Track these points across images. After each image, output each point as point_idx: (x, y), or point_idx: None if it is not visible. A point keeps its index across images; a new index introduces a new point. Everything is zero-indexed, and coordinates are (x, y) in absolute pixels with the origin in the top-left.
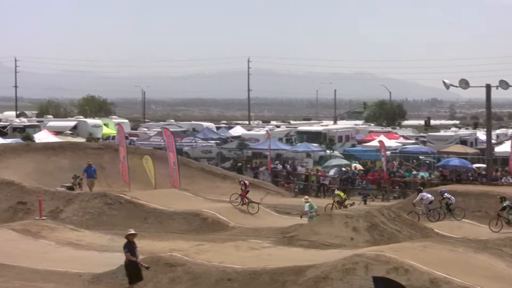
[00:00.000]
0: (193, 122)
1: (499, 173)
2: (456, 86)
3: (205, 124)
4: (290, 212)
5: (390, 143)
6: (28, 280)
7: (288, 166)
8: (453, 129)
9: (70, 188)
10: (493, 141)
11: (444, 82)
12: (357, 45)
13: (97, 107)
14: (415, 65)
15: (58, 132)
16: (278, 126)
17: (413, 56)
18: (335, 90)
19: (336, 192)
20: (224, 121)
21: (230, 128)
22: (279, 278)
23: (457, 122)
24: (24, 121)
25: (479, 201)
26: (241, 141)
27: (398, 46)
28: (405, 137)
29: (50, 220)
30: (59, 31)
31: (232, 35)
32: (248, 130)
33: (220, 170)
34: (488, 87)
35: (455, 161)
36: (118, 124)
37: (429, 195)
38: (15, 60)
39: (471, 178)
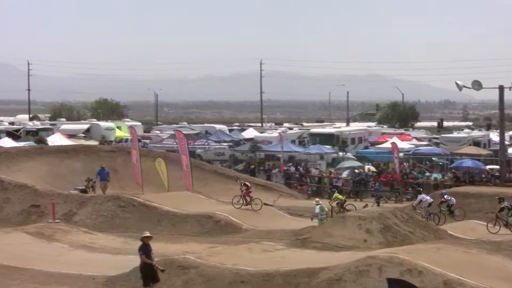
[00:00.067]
0: (205, 124)
1: None
2: (469, 88)
3: (218, 126)
4: (303, 214)
5: (403, 144)
6: (42, 283)
7: (301, 168)
8: (466, 130)
9: (83, 191)
10: (506, 142)
11: (457, 84)
12: (370, 47)
13: (110, 110)
14: (428, 66)
15: (71, 135)
16: (291, 128)
17: (426, 57)
18: (347, 92)
19: (335, 195)
20: (237, 124)
21: (243, 130)
22: (292, 280)
23: (470, 123)
24: (37, 124)
25: (493, 203)
26: (254, 143)
27: (410, 48)
28: (418, 139)
29: (64, 223)
30: (72, 34)
31: (245, 37)
32: (261, 132)
33: (233, 173)
34: (501, 88)
35: (468, 163)
36: (131, 127)
37: (428, 197)
38: (28, 64)
39: (484, 179)
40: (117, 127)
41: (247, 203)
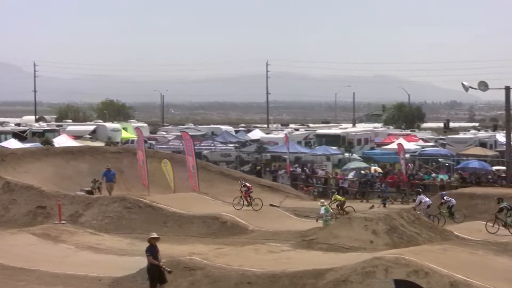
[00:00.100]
0: (211, 125)
1: None
2: (475, 88)
3: (224, 127)
4: (309, 215)
5: (409, 145)
6: (48, 284)
7: (307, 169)
8: (472, 131)
9: (90, 192)
10: None
11: (463, 84)
12: (376, 47)
13: (116, 111)
14: (434, 67)
15: (77, 136)
16: (297, 129)
17: (432, 58)
18: (353, 93)
19: (334, 196)
20: (243, 125)
21: (249, 131)
22: (298, 281)
23: (476, 124)
24: (43, 125)
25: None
26: (260, 145)
27: (416, 49)
28: (424, 140)
29: (70, 224)
30: (78, 35)
31: (251, 38)
32: (267, 134)
33: (239, 174)
34: (508, 89)
35: (474, 164)
36: (137, 128)
37: (427, 199)
38: (34, 65)
39: (490, 180)
40: (123, 128)
41: (248, 204)
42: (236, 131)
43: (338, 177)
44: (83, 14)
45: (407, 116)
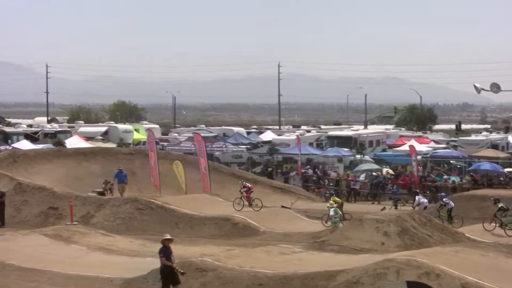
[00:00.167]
0: (223, 127)
1: None
2: (487, 90)
3: (236, 129)
4: (322, 217)
5: (420, 147)
6: (60, 285)
7: (319, 171)
8: (484, 133)
9: (101, 194)
10: None
11: (475, 86)
12: (388, 49)
13: (128, 112)
14: (446, 69)
15: (89, 137)
16: (308, 131)
17: (444, 60)
18: (365, 95)
19: (332, 198)
20: (255, 126)
21: (261, 133)
22: (310, 283)
23: (488, 126)
24: (55, 126)
25: (511, 206)
26: (272, 146)
27: (428, 50)
28: (436, 142)
29: (81, 225)
30: (90, 37)
31: (263, 40)
32: (279, 135)
33: (250, 175)
34: None
35: (486, 166)
36: (149, 129)
37: (425, 200)
38: (46, 66)
39: (502, 182)
40: (135, 130)
41: (249, 204)
42: (248, 133)
43: (350, 178)
44: (95, 15)
45: (419, 118)
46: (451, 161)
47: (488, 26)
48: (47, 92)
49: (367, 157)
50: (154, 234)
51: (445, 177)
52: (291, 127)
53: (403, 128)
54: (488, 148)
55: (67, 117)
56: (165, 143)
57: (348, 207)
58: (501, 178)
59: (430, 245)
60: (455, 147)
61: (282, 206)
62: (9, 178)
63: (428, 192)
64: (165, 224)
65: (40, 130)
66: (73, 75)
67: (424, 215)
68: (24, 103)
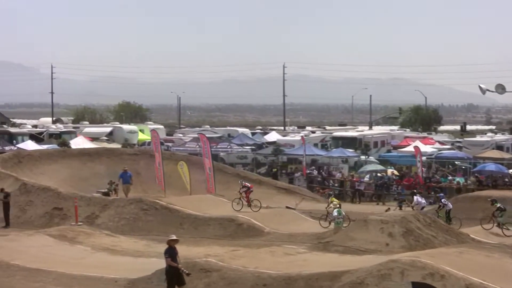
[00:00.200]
0: (228, 128)
1: None
2: (492, 91)
3: (240, 130)
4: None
5: (425, 148)
6: (65, 286)
7: (323, 171)
8: (489, 134)
9: (106, 194)
10: None
11: (480, 87)
12: (393, 50)
13: (133, 113)
14: (451, 70)
15: (93, 138)
16: (313, 132)
17: (448, 61)
18: (370, 96)
19: (330, 199)
20: (259, 127)
21: (265, 133)
22: (314, 283)
23: (493, 127)
24: (60, 127)
25: None
26: (276, 147)
27: (433, 51)
28: (441, 143)
29: (86, 225)
30: (95, 38)
31: (268, 41)
32: (283, 136)
33: (255, 176)
34: None
35: (491, 167)
36: (153, 130)
37: (423, 200)
38: (52, 67)
39: (507, 183)
40: (140, 130)
41: (248, 204)
42: (253, 133)
43: (354, 179)
44: (100, 16)
45: (423, 119)
46: (456, 162)
47: (493, 27)
48: (52, 93)
49: (371, 158)
50: (159, 234)
51: (450, 178)
52: (296, 128)
53: (408, 129)
54: (493, 149)
55: (72, 118)
56: (170, 144)
57: (352, 208)
58: (506, 179)
59: (435, 246)
60: (460, 148)
61: (287, 207)
62: (14, 178)
63: (432, 193)
64: (170, 225)
65: (45, 131)
66: (78, 76)
67: (429, 216)
68: (29, 103)
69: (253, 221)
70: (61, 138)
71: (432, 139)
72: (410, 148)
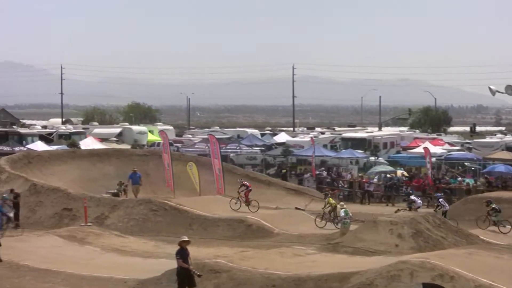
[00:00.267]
0: (237, 128)
1: None
2: (502, 92)
3: (250, 130)
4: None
5: (435, 149)
6: (74, 286)
7: (333, 172)
8: (499, 135)
9: (115, 195)
10: None
11: (490, 88)
12: (402, 51)
13: (142, 114)
14: (460, 71)
15: (103, 139)
16: (322, 133)
17: (458, 62)
18: (380, 97)
19: (328, 199)
20: (269, 128)
21: (275, 134)
22: (323, 285)
23: (503, 128)
24: (70, 128)
25: None
26: (286, 148)
27: (442, 52)
28: (451, 144)
29: (96, 226)
30: (105, 39)
31: (277, 42)
32: (293, 137)
33: (264, 177)
34: None
35: (500, 168)
36: (162, 131)
37: (419, 200)
38: (61, 68)
39: None
40: (149, 131)
41: (247, 204)
42: (262, 134)
43: (364, 180)
44: (109, 17)
45: (433, 120)
46: (466, 163)
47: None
48: (61, 94)
49: (381, 159)
50: (168, 235)
51: (460, 179)
52: (305, 128)
53: (417, 130)
54: (502, 150)
55: (82, 119)
56: (179, 145)
57: (362, 209)
58: None
59: (444, 247)
60: (469, 149)
61: (296, 208)
62: (23, 179)
63: (442, 194)
64: (179, 226)
65: (55, 132)
66: (87, 77)
67: (439, 217)
68: (38, 104)
69: (262, 222)
70: (70, 139)
71: (441, 140)
72: (419, 149)
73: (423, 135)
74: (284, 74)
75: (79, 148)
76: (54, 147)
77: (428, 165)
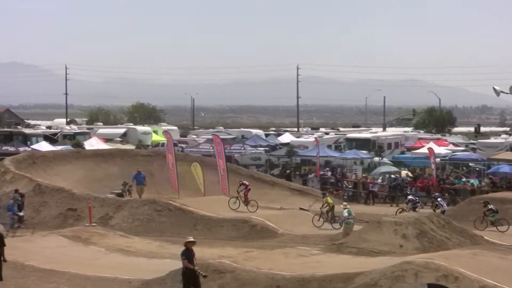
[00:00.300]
0: (242, 129)
1: None
2: (507, 93)
3: (254, 131)
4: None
5: (439, 150)
6: (78, 286)
7: (337, 173)
8: (504, 136)
9: (120, 195)
10: None
11: (494, 89)
12: (407, 51)
13: (147, 114)
14: (465, 71)
15: (107, 139)
16: (327, 133)
17: (462, 62)
18: (384, 97)
19: (325, 199)
20: (273, 128)
21: (279, 135)
22: (327, 285)
23: (507, 129)
24: (74, 128)
25: None
26: (290, 148)
27: (446, 53)
28: (455, 144)
29: (100, 226)
30: (109, 39)
31: (281, 42)
32: (297, 137)
33: (269, 177)
34: None
35: (505, 168)
36: (165, 131)
37: (416, 200)
38: (66, 68)
39: None
40: (154, 132)
41: (246, 203)
42: (266, 135)
43: (368, 181)
44: (113, 17)
45: (437, 121)
46: (470, 164)
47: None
48: (66, 94)
49: (385, 160)
50: (172, 235)
51: (464, 179)
52: (309, 129)
53: (422, 131)
54: (507, 150)
55: (86, 119)
56: (183, 145)
57: (366, 209)
58: None
59: (449, 247)
60: (474, 149)
61: (301, 208)
62: (28, 179)
63: (447, 194)
64: (183, 226)
65: (59, 132)
66: (92, 77)
67: (443, 218)
68: (43, 104)
69: (266, 223)
70: (75, 139)
71: (446, 140)
72: (424, 150)
73: (428, 136)
74: (288, 74)
75: (84, 148)
76: (58, 148)
77: (433, 166)
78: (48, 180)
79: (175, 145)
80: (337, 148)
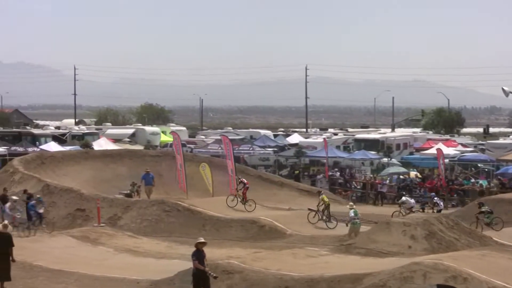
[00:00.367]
0: (250, 129)
1: None
2: None
3: (263, 131)
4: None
5: (448, 151)
6: (87, 287)
7: (346, 174)
8: None
9: (128, 195)
10: None
11: (503, 90)
12: (416, 52)
13: (155, 114)
14: (474, 72)
15: (116, 139)
16: (335, 134)
17: (471, 63)
18: (393, 98)
19: (321, 197)
20: (282, 129)
21: (288, 135)
22: (336, 286)
23: None
24: (83, 128)
25: None
26: (299, 149)
27: (455, 54)
28: (464, 145)
29: (109, 227)
30: (118, 40)
31: (290, 43)
32: (306, 138)
33: (277, 178)
34: None
35: None
36: (173, 132)
37: (412, 200)
38: (74, 68)
39: None
40: (162, 132)
41: (244, 202)
42: (275, 135)
43: (377, 182)
44: (122, 18)
45: (446, 121)
46: (479, 165)
47: None
48: (74, 94)
49: (394, 160)
50: (181, 236)
51: (473, 180)
52: (318, 130)
53: (430, 131)
54: None
55: (95, 119)
56: (192, 146)
57: (374, 210)
58: None
59: (457, 248)
60: (482, 150)
61: (309, 209)
62: (37, 179)
63: (455, 195)
64: (192, 227)
65: (68, 132)
66: (101, 78)
67: (452, 218)
68: (52, 105)
69: (275, 223)
70: (83, 140)
71: (454, 141)
72: (432, 151)
73: (436, 136)
74: (296, 75)
75: (92, 148)
76: (67, 148)
77: (441, 167)
78: (56, 180)
79: (183, 145)
80: (346, 148)
